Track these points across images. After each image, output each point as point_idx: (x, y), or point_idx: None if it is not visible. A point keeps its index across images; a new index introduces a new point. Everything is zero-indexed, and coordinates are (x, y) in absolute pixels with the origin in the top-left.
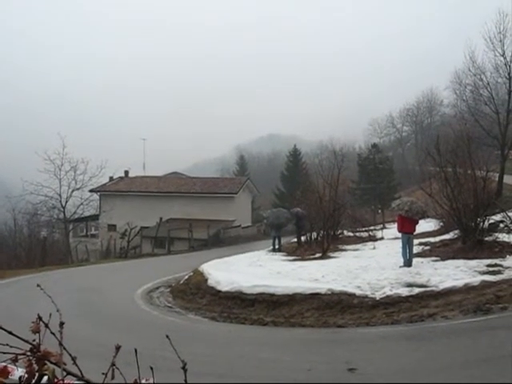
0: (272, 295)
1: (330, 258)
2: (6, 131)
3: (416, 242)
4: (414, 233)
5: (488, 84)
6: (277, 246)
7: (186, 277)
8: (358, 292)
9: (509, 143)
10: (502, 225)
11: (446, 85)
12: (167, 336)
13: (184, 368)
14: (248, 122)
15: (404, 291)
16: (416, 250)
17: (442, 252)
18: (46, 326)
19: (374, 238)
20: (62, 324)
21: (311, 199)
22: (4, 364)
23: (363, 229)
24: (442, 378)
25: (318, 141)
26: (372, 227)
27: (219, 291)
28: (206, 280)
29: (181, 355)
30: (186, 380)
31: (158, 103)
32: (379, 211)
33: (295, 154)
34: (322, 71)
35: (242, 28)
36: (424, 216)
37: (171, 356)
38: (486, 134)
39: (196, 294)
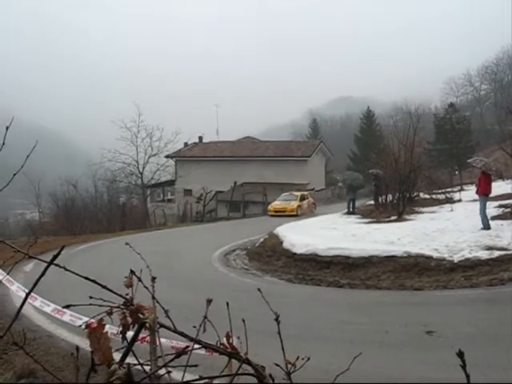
0: (347, 257)
1: (405, 220)
2: (85, 103)
3: (496, 204)
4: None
5: None
6: (351, 209)
7: (262, 240)
8: (435, 255)
9: None
10: None
11: None
12: (259, 289)
13: (277, 320)
14: (320, 85)
15: (483, 254)
16: (496, 212)
17: None
18: (139, 279)
19: (451, 200)
20: (153, 278)
21: (386, 161)
22: (100, 317)
23: (440, 191)
24: None
25: (391, 102)
26: (449, 189)
27: (294, 253)
28: (282, 243)
29: (259, 315)
30: (279, 331)
31: (231, 70)
32: (456, 172)
33: (369, 116)
34: (394, 32)
35: None
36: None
37: (250, 316)
38: None
39: (272, 257)
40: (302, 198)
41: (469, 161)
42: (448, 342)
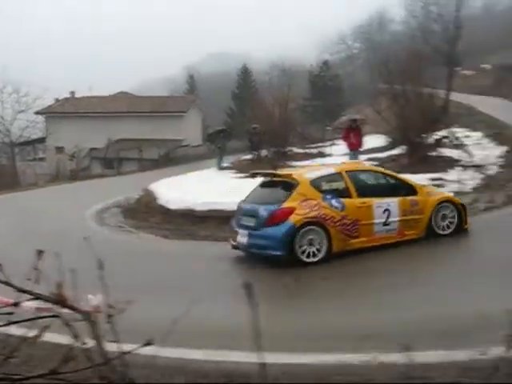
0: (222, 211)
1: None
2: None
3: (364, 157)
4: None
5: (437, 1)
6: (222, 164)
7: (137, 197)
8: None
9: (456, 60)
10: (446, 140)
11: (398, 1)
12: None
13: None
14: (197, 39)
15: None
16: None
17: (389, 167)
18: None
19: (323, 155)
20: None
21: (261, 117)
22: None
23: (312, 145)
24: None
25: (269, 58)
26: (321, 144)
27: (169, 209)
28: (157, 199)
29: (134, 270)
30: (102, 276)
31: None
32: (328, 128)
33: (245, 72)
34: None
35: None
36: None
37: (120, 270)
38: (435, 51)
39: (147, 213)
40: None
41: (339, 120)
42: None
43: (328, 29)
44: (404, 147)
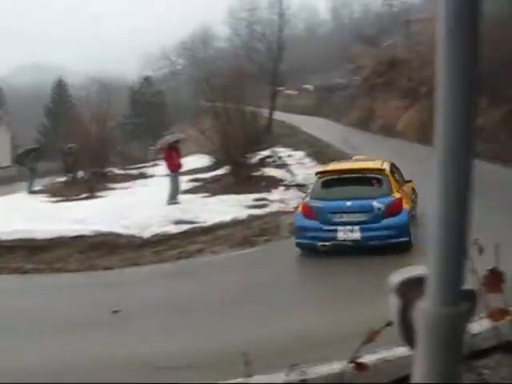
0: (32, 240)
1: (97, 197)
2: None
3: (187, 178)
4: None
5: (261, 20)
6: (33, 187)
7: None
8: (125, 232)
9: (279, 80)
10: (270, 160)
11: (223, 19)
12: None
13: None
14: (6, 48)
15: (172, 228)
16: (186, 186)
17: (212, 188)
18: None
19: (144, 176)
20: None
21: (77, 134)
22: None
23: (134, 166)
24: (214, 311)
25: (87, 72)
26: (143, 164)
27: None
28: None
29: None
30: None
31: None
32: (151, 147)
33: (61, 86)
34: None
35: None
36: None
37: None
38: (259, 70)
39: None
40: None
41: (162, 140)
42: (134, 317)
43: (150, 43)
44: (228, 167)
